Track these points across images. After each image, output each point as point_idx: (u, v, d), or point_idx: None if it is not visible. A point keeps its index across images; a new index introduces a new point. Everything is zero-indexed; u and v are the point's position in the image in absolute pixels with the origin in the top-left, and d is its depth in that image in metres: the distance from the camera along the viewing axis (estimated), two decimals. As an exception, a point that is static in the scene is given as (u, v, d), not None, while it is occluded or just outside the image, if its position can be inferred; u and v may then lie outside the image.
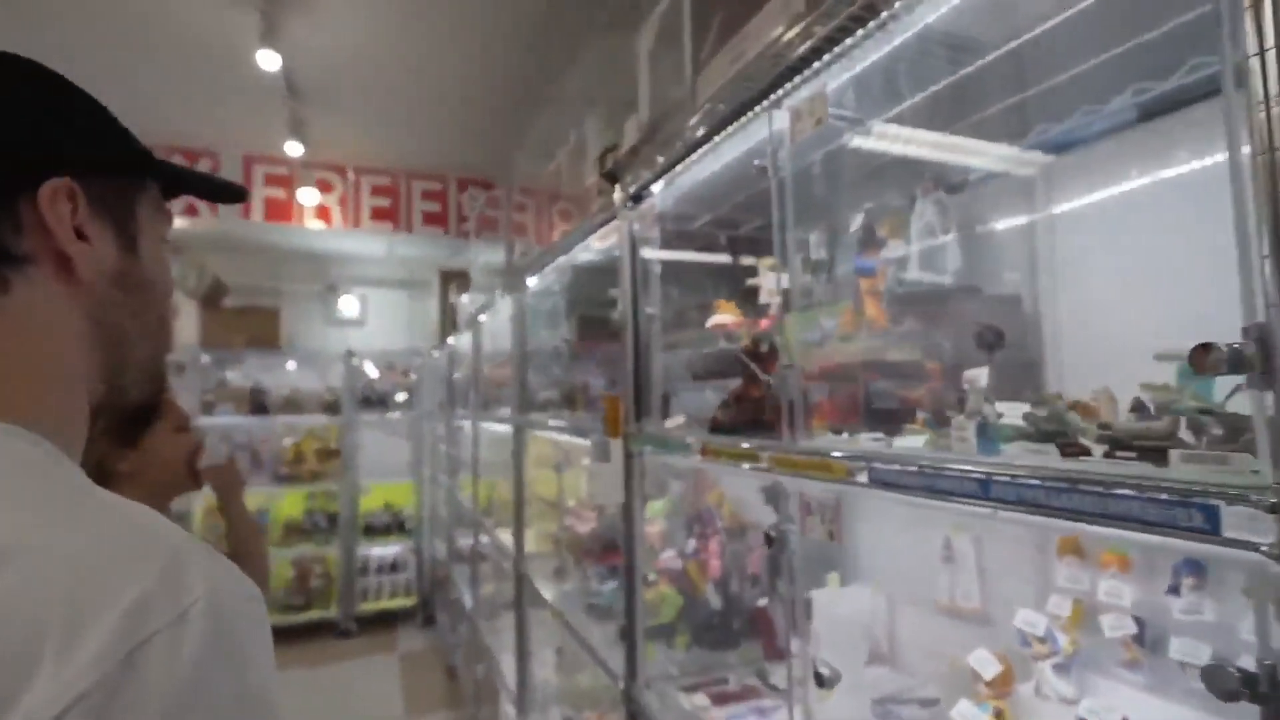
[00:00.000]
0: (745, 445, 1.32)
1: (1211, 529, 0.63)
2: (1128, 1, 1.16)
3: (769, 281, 1.81)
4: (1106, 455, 0.79)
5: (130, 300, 0.57)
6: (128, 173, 0.59)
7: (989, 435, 0.98)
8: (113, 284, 0.55)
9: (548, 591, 2.76)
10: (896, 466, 0.96)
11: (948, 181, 1.61)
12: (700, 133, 1.50)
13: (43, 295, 0.50)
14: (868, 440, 1.20)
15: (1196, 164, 1.29)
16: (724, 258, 2.25)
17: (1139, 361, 1.33)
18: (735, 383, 1.79)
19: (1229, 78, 0.66)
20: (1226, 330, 1.05)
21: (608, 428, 1.87)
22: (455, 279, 5.77)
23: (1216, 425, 0.69)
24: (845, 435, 1.23)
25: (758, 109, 1.35)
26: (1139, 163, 1.39)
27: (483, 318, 4.24)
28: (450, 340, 5.36)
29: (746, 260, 2.41)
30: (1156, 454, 0.75)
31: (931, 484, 0.90)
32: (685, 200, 1.95)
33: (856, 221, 1.55)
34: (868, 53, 1.19)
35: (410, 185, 4.79)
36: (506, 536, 3.62)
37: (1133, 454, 0.76)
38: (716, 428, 1.65)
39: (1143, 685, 1.30)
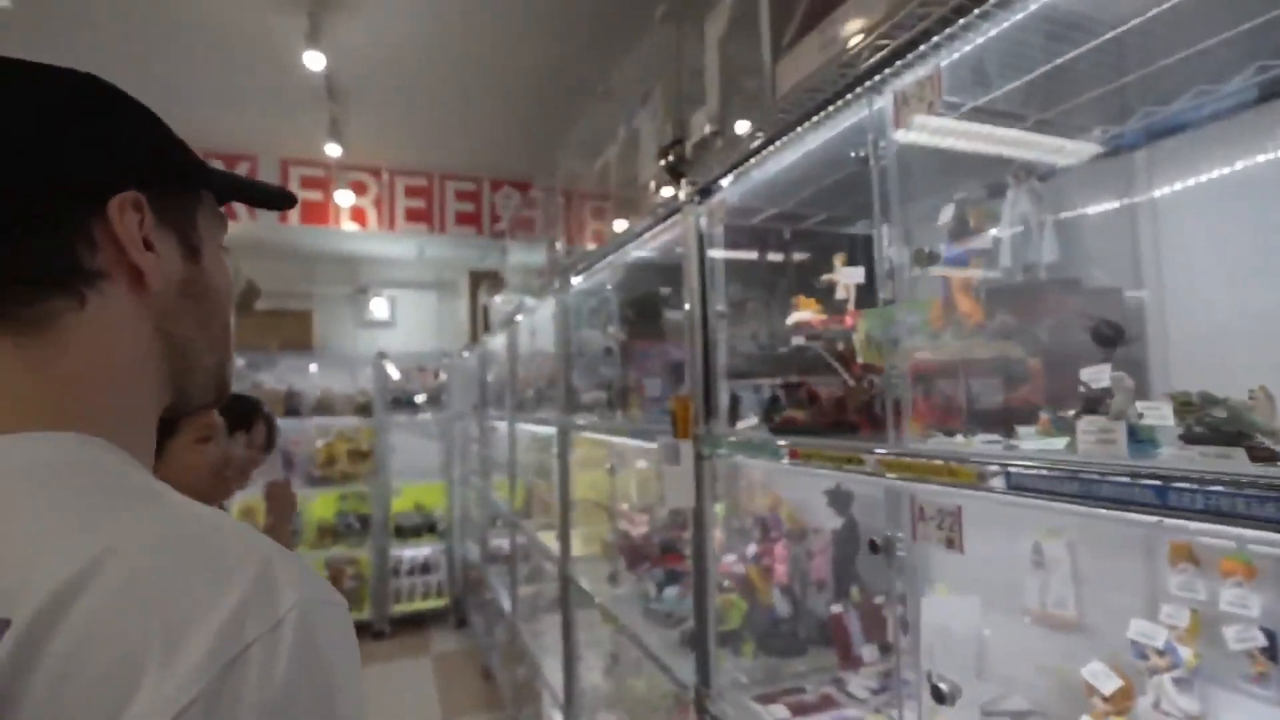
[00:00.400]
0: (847, 448, 1.26)
1: None
2: None
3: (844, 277, 1.74)
4: (1306, 459, 0.72)
5: (196, 309, 0.57)
6: (187, 183, 0.59)
7: (1142, 437, 0.92)
8: (180, 293, 0.56)
9: (599, 595, 2.72)
10: (1042, 471, 0.89)
11: (1041, 168, 1.54)
12: (786, 121, 1.44)
13: (115, 308, 0.50)
14: (983, 443, 1.14)
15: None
16: (799, 253, 2.19)
17: (1251, 356, 1.26)
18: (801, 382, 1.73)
19: None
20: None
21: (677, 429, 1.82)
22: (485, 280, 5.75)
23: None
24: (959, 437, 1.17)
25: (855, 93, 1.29)
26: (1255, 145, 1.31)
27: (520, 318, 4.20)
28: (483, 341, 5.34)
29: (798, 255, 2.34)
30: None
31: (1089, 490, 0.83)
32: (749, 195, 1.90)
33: (946, 212, 1.48)
34: (978, 34, 1.13)
35: (444, 186, 4.77)
36: (548, 538, 3.59)
37: (1342, 457, 0.69)
38: (795, 428, 1.59)
39: (1274, 700, 1.22)
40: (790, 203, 2.07)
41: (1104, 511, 0.86)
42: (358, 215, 4.62)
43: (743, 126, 1.60)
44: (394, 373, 6.27)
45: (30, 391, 0.46)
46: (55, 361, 0.48)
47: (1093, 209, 1.54)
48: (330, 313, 6.18)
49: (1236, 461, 0.77)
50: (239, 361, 5.48)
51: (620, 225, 2.56)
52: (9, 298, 0.47)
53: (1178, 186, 1.45)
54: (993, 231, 1.46)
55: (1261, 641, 1.23)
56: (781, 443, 1.43)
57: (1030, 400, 1.31)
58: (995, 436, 1.15)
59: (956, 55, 1.15)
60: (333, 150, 3.75)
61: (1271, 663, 1.23)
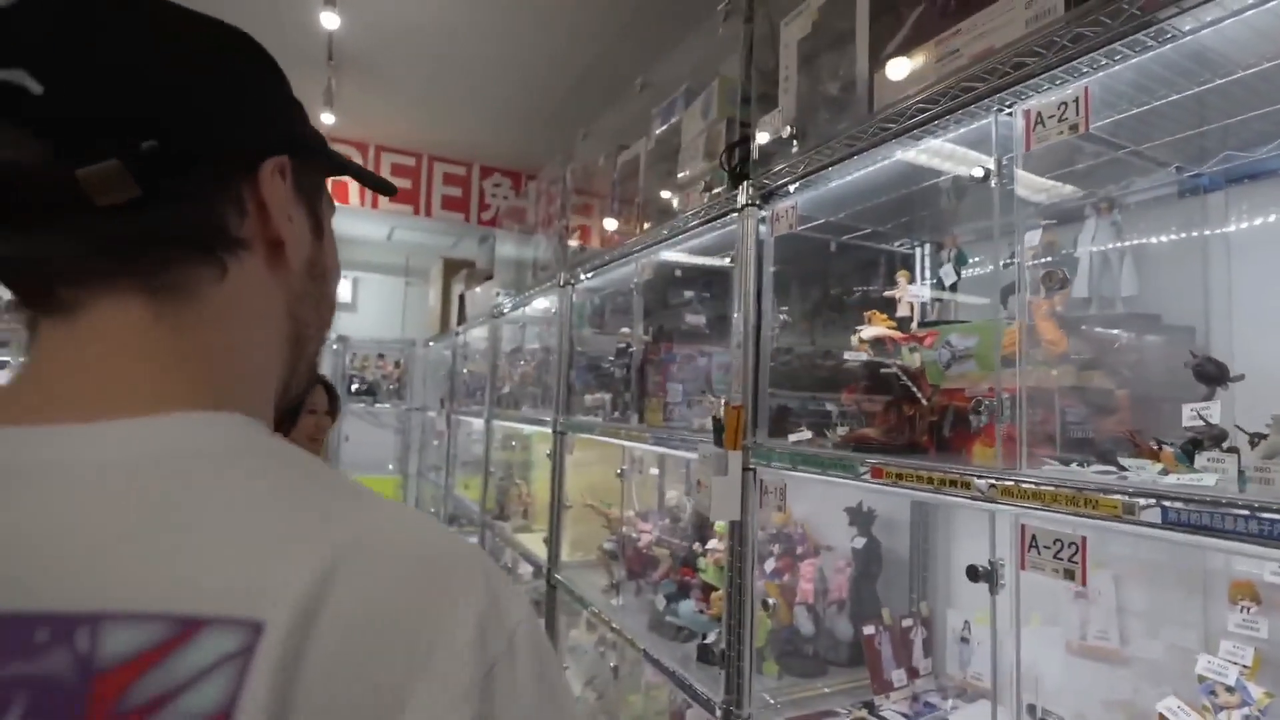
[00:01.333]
0: (944, 470, 1.22)
1: None
2: None
3: (909, 293, 1.72)
4: None
5: (315, 291, 0.55)
6: (317, 155, 0.55)
7: (1302, 479, 0.91)
8: (305, 273, 0.53)
9: (595, 604, 2.61)
10: (1211, 509, 0.87)
11: (1121, 201, 1.55)
12: (887, 132, 1.40)
13: (254, 282, 0.47)
14: (1096, 473, 1.12)
15: None
16: (840, 266, 2.16)
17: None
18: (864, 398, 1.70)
19: None
20: None
21: (725, 439, 1.75)
22: (460, 269, 5.55)
23: None
24: (1074, 466, 1.14)
25: (974, 108, 1.26)
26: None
27: (507, 311, 4.06)
28: (457, 332, 5.14)
29: (840, 268, 2.32)
30: None
31: (1273, 531, 0.81)
32: (807, 204, 1.86)
33: (1033, 236, 1.48)
34: (1118, 64, 1.11)
35: (433, 167, 4.56)
36: (530, 541, 3.46)
37: None
38: (866, 446, 1.55)
39: (1337, 741, 1.25)
40: (841, 214, 2.05)
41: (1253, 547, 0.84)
42: (338, 190, 4.37)
43: (826, 134, 1.56)
44: (348, 360, 5.98)
45: (171, 365, 0.42)
46: (196, 334, 0.44)
47: (1168, 245, 1.57)
48: (289, 291, 5.84)
49: None
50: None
51: (647, 224, 2.48)
52: (146, 260, 0.42)
53: (1250, 225, 1.49)
54: (1078, 259, 1.46)
55: (1328, 681, 1.26)
56: (862, 461, 1.38)
57: (1122, 431, 1.31)
58: (1108, 466, 1.13)
59: (1094, 79, 1.13)
60: (326, 118, 3.52)
61: (1336, 703, 1.26)
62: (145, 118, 0.40)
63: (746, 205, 1.82)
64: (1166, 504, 0.91)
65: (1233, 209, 1.49)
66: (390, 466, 6.27)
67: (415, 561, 0.38)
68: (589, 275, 2.95)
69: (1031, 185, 1.59)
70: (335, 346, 5.83)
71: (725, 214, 1.94)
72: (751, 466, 1.75)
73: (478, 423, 4.43)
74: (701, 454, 1.81)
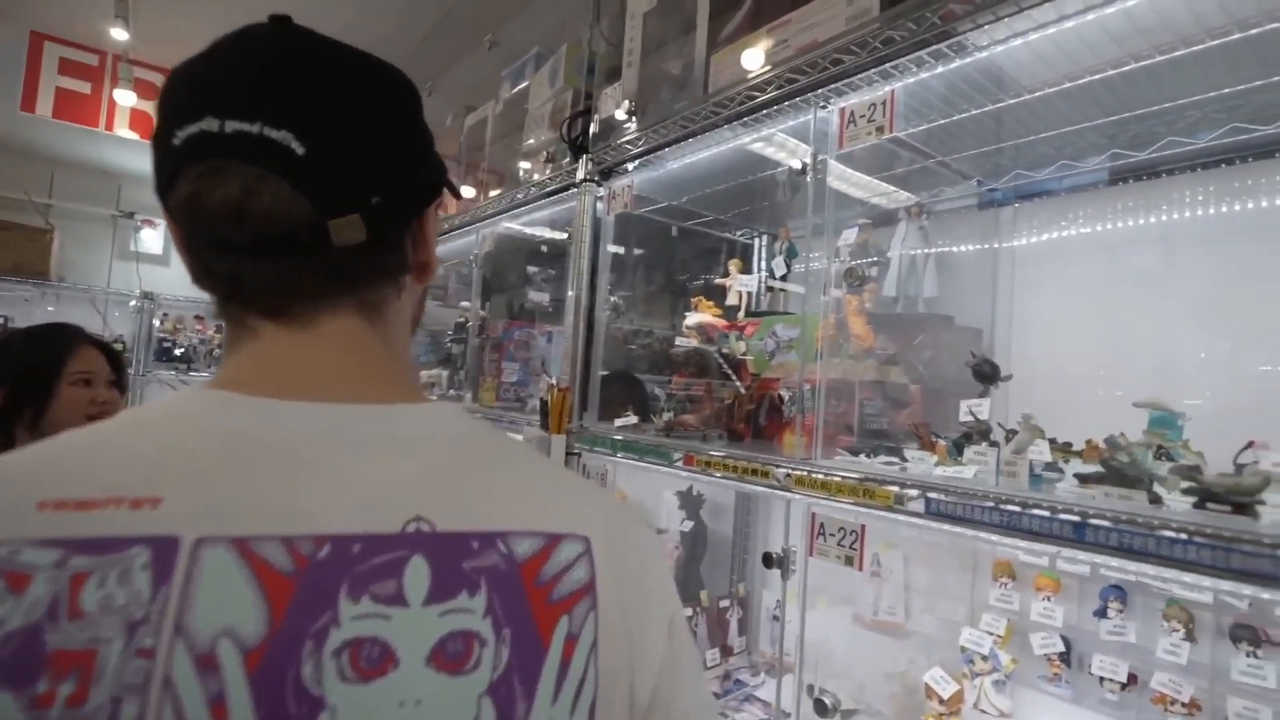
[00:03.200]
0: (748, 459, 1.24)
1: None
2: (1129, 82, 1.24)
3: (740, 284, 1.74)
4: (1197, 505, 0.82)
5: (423, 297, 0.65)
6: (449, 186, 0.62)
7: (1036, 474, 0.99)
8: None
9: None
10: (965, 501, 0.92)
11: (930, 208, 1.66)
12: (719, 116, 1.38)
13: (409, 295, 0.57)
14: (882, 463, 1.18)
15: (1155, 223, 1.45)
16: (681, 251, 2.15)
17: (1080, 400, 1.46)
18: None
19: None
20: (1166, 375, 1.16)
21: (550, 422, 1.69)
22: (297, 226, 5.02)
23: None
24: (862, 457, 1.19)
25: (797, 101, 1.26)
26: (1102, 219, 1.53)
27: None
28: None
29: (680, 253, 2.33)
30: (1247, 508, 0.78)
31: (1012, 522, 0.88)
32: (646, 184, 1.82)
33: (850, 235, 1.53)
34: (930, 71, 1.16)
35: (263, 109, 4.03)
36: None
37: (1227, 507, 0.79)
38: (685, 432, 1.55)
39: (1065, 698, 1.42)
40: (683, 199, 2.04)
41: (1010, 541, 0.91)
42: (140, 122, 3.75)
43: (663, 113, 1.52)
44: (156, 321, 5.28)
45: (388, 365, 0.54)
46: (391, 341, 0.55)
47: (966, 252, 1.69)
48: (79, 236, 4.98)
49: (1136, 503, 0.85)
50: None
51: (492, 192, 2.34)
52: (363, 286, 0.53)
53: (1033, 240, 1.65)
54: (891, 257, 1.54)
55: (1060, 648, 1.43)
56: (677, 449, 1.37)
57: (910, 424, 1.39)
58: (893, 458, 1.20)
59: (902, 84, 1.17)
60: (117, 34, 2.98)
61: (1065, 666, 1.43)
62: (375, 179, 0.50)
63: (585, 180, 1.75)
64: (930, 495, 0.97)
65: (1020, 223, 1.64)
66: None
67: (647, 529, 0.58)
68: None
69: (855, 183, 1.66)
70: (135, 304, 5.10)
71: (565, 188, 1.86)
72: (576, 451, 1.70)
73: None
74: (525, 438, 1.74)
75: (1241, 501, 0.78)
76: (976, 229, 1.67)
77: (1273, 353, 1.28)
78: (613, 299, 1.74)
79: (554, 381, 1.75)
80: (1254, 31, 1.02)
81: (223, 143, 0.45)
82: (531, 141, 2.11)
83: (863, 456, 1.20)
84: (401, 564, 0.43)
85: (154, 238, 5.50)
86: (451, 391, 2.58)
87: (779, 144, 1.56)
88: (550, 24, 2.15)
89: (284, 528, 0.42)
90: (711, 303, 1.60)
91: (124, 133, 3.87)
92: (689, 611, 1.90)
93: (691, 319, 1.54)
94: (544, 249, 2.33)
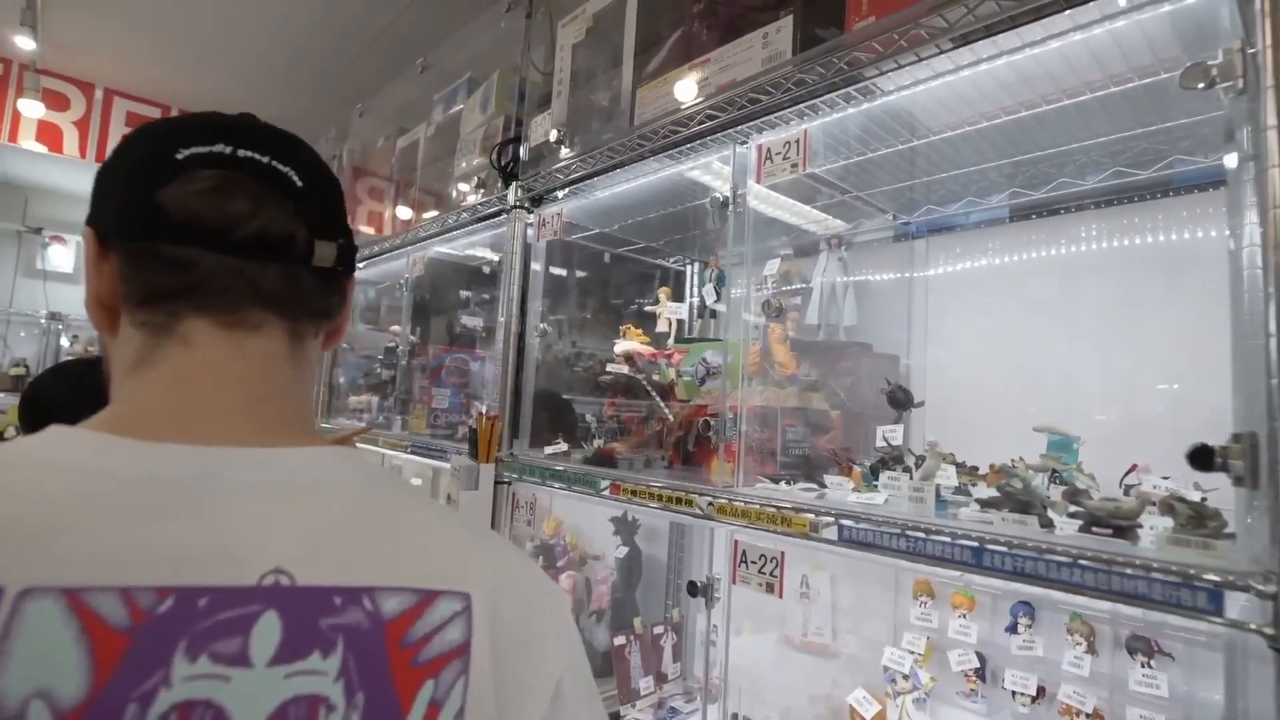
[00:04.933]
0: (672, 487, 1.24)
1: (1215, 610, 0.70)
2: (1022, 127, 1.33)
3: (670, 311, 1.76)
4: (1083, 529, 0.86)
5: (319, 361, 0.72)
6: None
7: (943, 499, 1.03)
8: None
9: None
10: (875, 528, 0.95)
11: (848, 240, 1.72)
12: (644, 148, 1.41)
13: (314, 351, 0.59)
14: (801, 490, 1.20)
15: (1056, 256, 1.54)
16: (613, 279, 2.16)
17: (991, 422, 1.54)
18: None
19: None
20: (1069, 398, 1.24)
21: (478, 450, 1.66)
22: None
23: (1187, 510, 0.79)
24: (783, 484, 1.22)
25: (719, 136, 1.30)
26: (1007, 252, 1.62)
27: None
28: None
29: (613, 280, 2.34)
30: (1127, 531, 0.83)
31: (917, 548, 0.91)
32: (577, 211, 1.83)
33: (773, 265, 1.58)
34: (836, 113, 1.21)
35: (184, 124, 3.87)
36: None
37: (1109, 530, 0.83)
38: (607, 459, 1.55)
39: (981, 712, 1.47)
40: (614, 226, 2.05)
41: (917, 565, 0.94)
42: (49, 134, 3.53)
43: (592, 143, 1.53)
44: (65, 342, 4.97)
45: (292, 400, 0.55)
46: (303, 376, 0.57)
47: (883, 282, 1.76)
48: (-22, 252, 4.66)
49: (1029, 528, 0.90)
50: None
51: (422, 215, 2.31)
52: (310, 309, 0.56)
53: (943, 271, 1.73)
54: (813, 288, 1.59)
55: (976, 664, 1.48)
56: (603, 477, 1.37)
57: (830, 449, 1.43)
58: (812, 485, 1.22)
59: (818, 123, 1.22)
60: (22, 42, 2.80)
61: (981, 681, 1.48)
62: (341, 226, 0.58)
63: (515, 207, 1.75)
64: (843, 523, 0.99)
65: (932, 255, 1.72)
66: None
67: (543, 583, 0.56)
68: (362, 265, 2.70)
69: (785, 208, 1.71)
70: (44, 324, 4.78)
71: (496, 214, 1.85)
72: (505, 480, 1.67)
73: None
74: (454, 466, 1.70)
75: (1121, 525, 0.83)
76: (893, 260, 1.75)
77: (1163, 373, 1.38)
78: (542, 325, 1.73)
79: (483, 410, 1.73)
80: (1128, 86, 1.11)
81: (235, 162, 0.51)
82: (464, 165, 2.10)
83: (783, 484, 1.22)
84: (251, 620, 0.41)
85: (64, 254, 5.18)
86: (380, 418, 2.50)
87: (714, 171, 1.60)
88: (482, 49, 2.15)
89: (124, 577, 0.39)
90: (639, 330, 1.61)
91: (29, 144, 3.64)
92: (622, 640, 1.88)
93: (619, 346, 1.55)
94: (485, 270, 2.31)
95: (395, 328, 2.52)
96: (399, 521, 0.51)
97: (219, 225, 0.49)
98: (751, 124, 1.26)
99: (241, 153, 0.51)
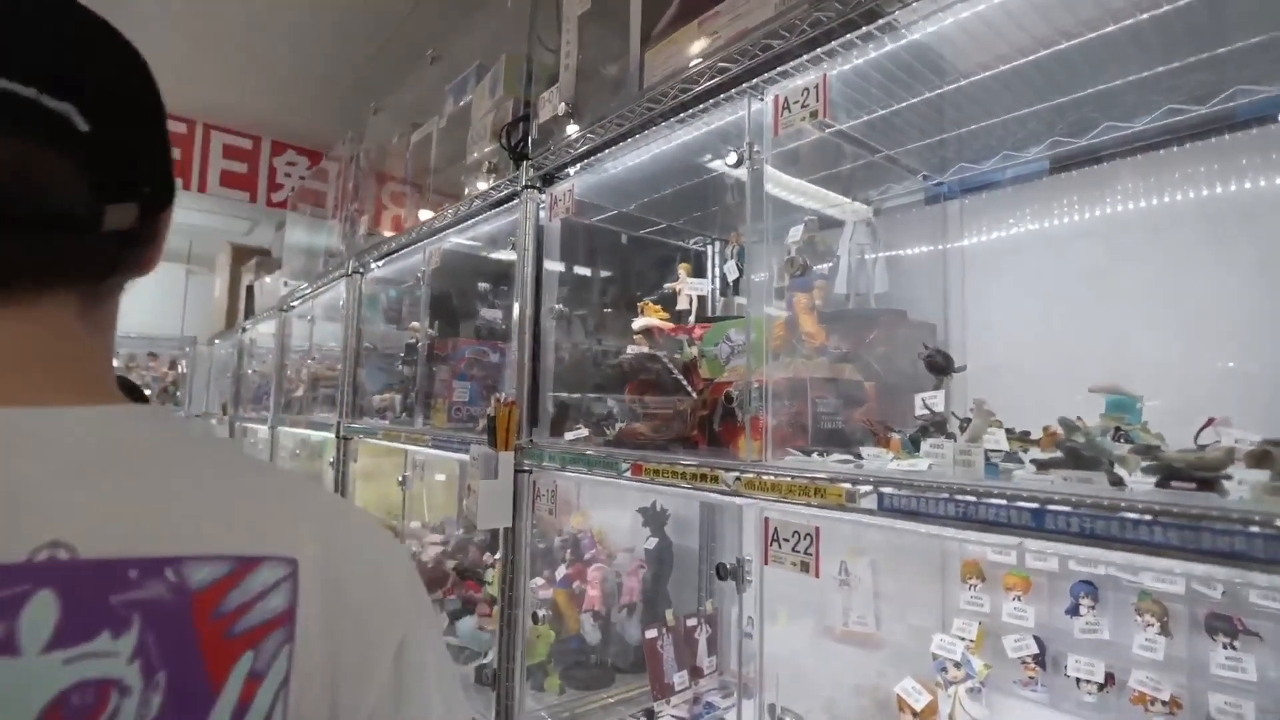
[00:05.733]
0: (698, 464, 1.17)
1: (1328, 566, 0.60)
2: (1063, 63, 1.22)
3: (690, 287, 1.69)
4: (1160, 485, 0.77)
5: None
6: None
7: (992, 464, 0.94)
8: None
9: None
10: (919, 494, 0.86)
11: (878, 204, 1.63)
12: (653, 112, 1.34)
13: (114, 303, 0.52)
14: (837, 462, 1.12)
15: (1099, 216, 1.42)
16: (633, 260, 2.10)
17: (1033, 387, 1.43)
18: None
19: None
20: (1119, 366, 1.13)
21: (496, 439, 1.60)
22: (252, 257, 4.91)
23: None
24: (815, 456, 1.13)
25: (733, 93, 1.22)
26: (1047, 211, 1.50)
27: (296, 304, 3.62)
28: (244, 328, 4.53)
29: (632, 262, 2.28)
30: (1214, 484, 0.73)
31: (969, 513, 0.82)
32: (590, 190, 1.77)
33: (796, 232, 1.49)
34: (862, 54, 1.13)
35: (208, 136, 3.94)
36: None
37: (1191, 484, 0.74)
38: (636, 442, 1.48)
39: (1042, 702, 1.36)
40: (631, 206, 1.99)
41: (968, 533, 0.85)
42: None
43: (600, 112, 1.47)
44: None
45: (90, 361, 0.49)
46: (103, 334, 0.51)
47: (915, 247, 1.66)
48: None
49: (1097, 486, 0.80)
50: None
51: (437, 209, 2.27)
52: (101, 272, 0.49)
53: (981, 232, 1.62)
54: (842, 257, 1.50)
55: (1034, 649, 1.37)
56: (625, 458, 1.30)
57: (864, 421, 1.34)
58: (847, 456, 1.14)
59: (836, 70, 1.14)
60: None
61: (1040, 668, 1.37)
62: (148, 166, 0.49)
63: (526, 187, 1.69)
64: (883, 490, 0.91)
65: (967, 217, 1.61)
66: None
67: (382, 539, 0.52)
68: (380, 263, 2.68)
69: (801, 191, 1.63)
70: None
71: (508, 198, 1.80)
72: (525, 468, 1.62)
73: (263, 430, 3.91)
74: (472, 455, 1.65)
75: (1206, 477, 0.73)
76: (925, 224, 1.64)
77: (1223, 340, 1.26)
78: (557, 306, 1.67)
79: (501, 397, 1.67)
80: (1182, 3, 1.01)
81: None
82: (475, 154, 2.06)
83: (815, 455, 1.14)
84: (20, 601, 0.36)
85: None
86: (404, 415, 2.48)
87: (725, 140, 1.52)
88: (491, 35, 2.11)
89: None
90: (658, 306, 1.54)
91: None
92: (654, 633, 1.80)
93: (638, 323, 1.48)
94: (499, 261, 2.26)
95: (415, 324, 2.49)
96: (212, 484, 0.46)
97: None
98: (766, 76, 1.18)
99: None
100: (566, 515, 2.39)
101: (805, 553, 1.04)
